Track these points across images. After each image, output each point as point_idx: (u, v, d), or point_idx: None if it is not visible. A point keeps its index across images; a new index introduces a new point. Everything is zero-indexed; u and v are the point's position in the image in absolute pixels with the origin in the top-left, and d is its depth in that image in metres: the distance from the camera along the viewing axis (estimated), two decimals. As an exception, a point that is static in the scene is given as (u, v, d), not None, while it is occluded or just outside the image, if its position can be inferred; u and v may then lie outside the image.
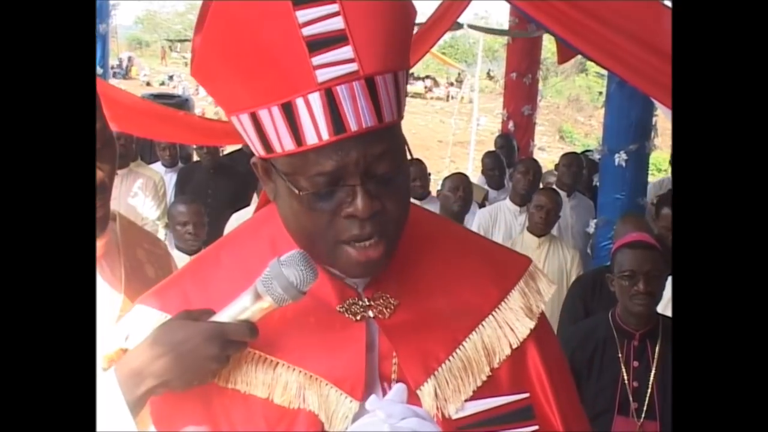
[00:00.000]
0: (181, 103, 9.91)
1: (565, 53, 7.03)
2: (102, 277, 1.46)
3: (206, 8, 1.01)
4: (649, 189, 5.25)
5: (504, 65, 9.20)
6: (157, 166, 5.84)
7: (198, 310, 1.08)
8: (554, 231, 4.66)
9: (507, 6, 7.17)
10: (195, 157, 6.65)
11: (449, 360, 1.10)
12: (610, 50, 3.51)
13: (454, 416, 1.08)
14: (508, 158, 7.23)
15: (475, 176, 7.82)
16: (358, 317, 1.09)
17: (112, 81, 9.20)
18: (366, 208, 1.00)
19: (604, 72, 6.02)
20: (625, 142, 4.68)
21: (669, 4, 3.65)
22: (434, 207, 4.49)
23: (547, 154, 17.26)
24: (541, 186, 5.42)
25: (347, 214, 1.01)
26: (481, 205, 5.74)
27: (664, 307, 2.89)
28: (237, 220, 4.09)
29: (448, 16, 5.63)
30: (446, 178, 5.07)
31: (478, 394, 1.10)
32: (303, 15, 0.96)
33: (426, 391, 1.07)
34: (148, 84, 23.83)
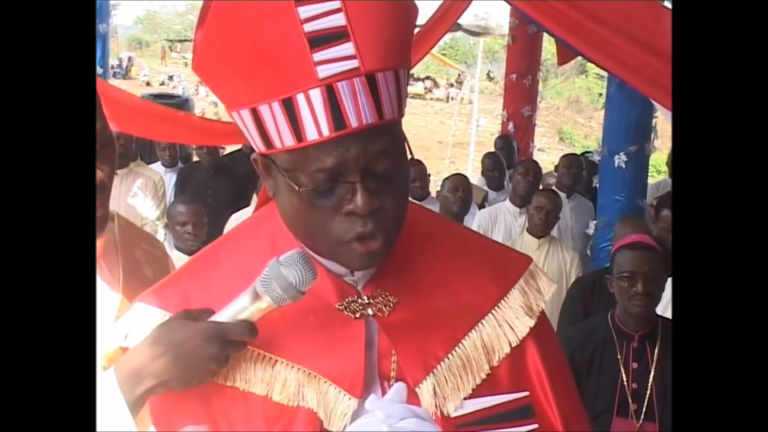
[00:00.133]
0: (181, 103, 9.92)
1: (565, 55, 7.02)
2: (100, 277, 1.46)
3: (208, 4, 1.01)
4: (648, 190, 5.25)
5: (504, 66, 9.18)
6: (157, 166, 5.82)
7: (197, 310, 1.08)
8: (554, 232, 4.66)
9: (507, 7, 7.16)
10: (195, 157, 6.64)
11: (448, 358, 1.09)
12: (609, 51, 3.51)
13: (453, 414, 1.08)
14: (508, 159, 7.21)
15: (475, 177, 7.82)
16: (358, 315, 1.09)
17: (112, 81, 9.19)
18: (366, 205, 1.00)
19: (604, 73, 6.02)
20: (624, 143, 4.67)
21: (669, 5, 3.66)
22: (434, 208, 4.47)
23: (547, 155, 17.23)
24: (540, 187, 5.40)
25: (347, 211, 1.01)
26: (481, 206, 5.73)
27: (664, 308, 2.90)
28: (236, 220, 4.08)
29: (448, 17, 5.65)
30: (446, 179, 5.07)
31: (477, 393, 1.10)
32: (305, 11, 0.96)
33: (425, 389, 1.07)
34: (148, 84, 23.84)
